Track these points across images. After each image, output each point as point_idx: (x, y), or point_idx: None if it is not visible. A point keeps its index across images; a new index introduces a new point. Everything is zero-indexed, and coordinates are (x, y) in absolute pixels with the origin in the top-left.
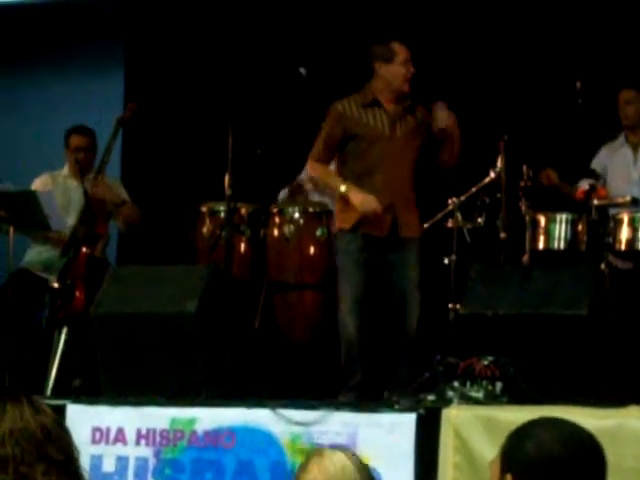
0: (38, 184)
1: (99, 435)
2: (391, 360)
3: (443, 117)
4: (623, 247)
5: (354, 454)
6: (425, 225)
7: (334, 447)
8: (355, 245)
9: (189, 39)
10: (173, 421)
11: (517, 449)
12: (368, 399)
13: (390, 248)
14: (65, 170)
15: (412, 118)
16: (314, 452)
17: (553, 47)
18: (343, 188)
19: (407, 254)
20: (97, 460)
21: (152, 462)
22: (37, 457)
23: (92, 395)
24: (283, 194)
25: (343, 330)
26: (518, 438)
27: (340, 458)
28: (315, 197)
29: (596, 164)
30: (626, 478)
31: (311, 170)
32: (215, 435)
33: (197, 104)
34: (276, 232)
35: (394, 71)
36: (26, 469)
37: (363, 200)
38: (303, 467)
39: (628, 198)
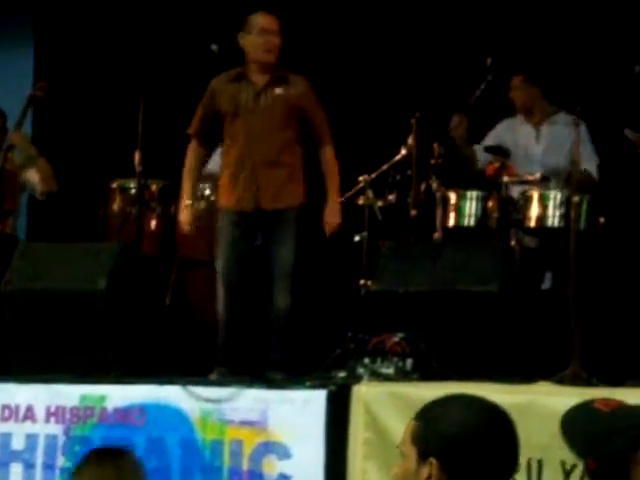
0: None
1: (8, 413)
2: (264, 340)
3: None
4: (533, 224)
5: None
6: None
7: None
8: (225, 222)
9: (100, 14)
10: (83, 398)
11: (434, 431)
12: (240, 375)
13: (260, 222)
14: None
15: (281, 88)
16: None
17: (464, 25)
18: (183, 202)
19: (277, 227)
20: (6, 438)
21: (62, 439)
22: None
23: (1, 373)
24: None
25: (217, 308)
26: (430, 420)
27: None
28: None
29: (493, 138)
30: (536, 453)
31: (188, 149)
32: (125, 412)
33: (107, 80)
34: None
35: (251, 41)
36: None
37: (180, 218)
38: None
39: (538, 175)
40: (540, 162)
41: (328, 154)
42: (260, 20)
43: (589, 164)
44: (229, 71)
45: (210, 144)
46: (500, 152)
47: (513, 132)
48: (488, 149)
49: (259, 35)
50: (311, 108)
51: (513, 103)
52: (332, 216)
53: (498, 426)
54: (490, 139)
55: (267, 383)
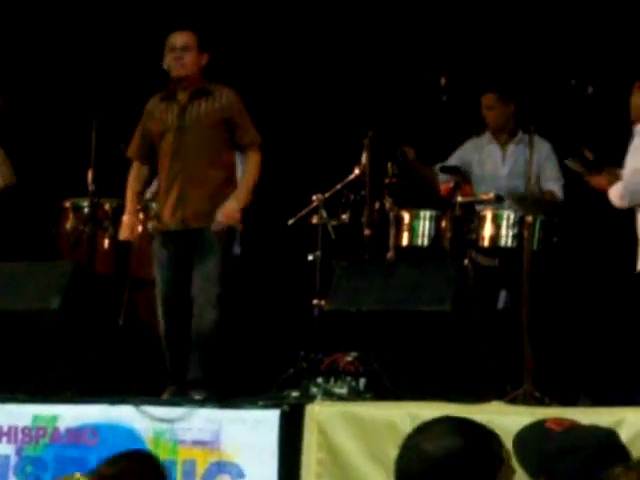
0: None
1: None
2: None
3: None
4: (486, 244)
5: None
6: (290, 221)
7: None
8: (157, 243)
9: (52, 30)
10: (35, 418)
11: (411, 459)
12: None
13: (187, 242)
14: None
15: (205, 102)
16: None
17: (418, 43)
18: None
19: (200, 243)
20: None
21: (14, 460)
22: None
23: None
24: (154, 187)
25: (160, 328)
26: (408, 450)
27: None
28: None
29: (458, 157)
30: None
31: (130, 169)
32: (78, 432)
33: (60, 97)
34: (140, 228)
35: (165, 60)
36: None
37: (121, 227)
38: None
39: (492, 195)
40: (505, 182)
41: (251, 161)
42: (170, 37)
43: (554, 184)
44: (162, 91)
45: (151, 163)
46: (454, 171)
47: (480, 152)
48: (442, 169)
49: (167, 53)
50: (236, 115)
51: (486, 122)
52: (222, 214)
53: (479, 441)
54: (454, 158)
55: (220, 403)
